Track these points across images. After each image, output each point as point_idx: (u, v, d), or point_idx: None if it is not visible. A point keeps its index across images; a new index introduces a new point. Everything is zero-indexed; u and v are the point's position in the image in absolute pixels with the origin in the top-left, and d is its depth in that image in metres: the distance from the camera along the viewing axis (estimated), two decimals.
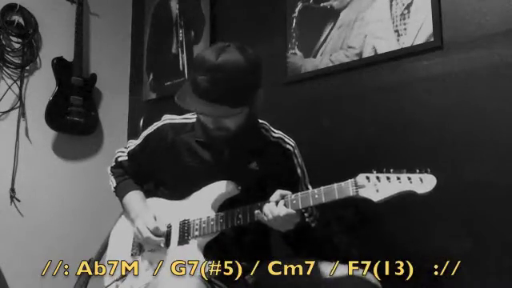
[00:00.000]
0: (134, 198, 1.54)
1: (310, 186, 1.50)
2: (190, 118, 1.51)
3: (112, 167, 1.64)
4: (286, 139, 1.51)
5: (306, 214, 1.38)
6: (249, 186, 1.39)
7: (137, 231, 1.40)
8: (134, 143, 1.59)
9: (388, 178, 1.13)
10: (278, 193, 1.26)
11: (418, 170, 1.11)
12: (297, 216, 1.24)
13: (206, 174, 1.41)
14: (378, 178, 1.14)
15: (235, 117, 1.31)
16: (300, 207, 1.23)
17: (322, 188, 1.21)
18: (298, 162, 1.50)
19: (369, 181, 1.15)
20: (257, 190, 1.40)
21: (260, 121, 1.51)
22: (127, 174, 1.60)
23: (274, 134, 1.50)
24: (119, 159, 1.62)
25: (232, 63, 1.24)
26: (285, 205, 1.24)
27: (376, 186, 1.14)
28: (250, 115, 1.38)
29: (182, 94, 1.29)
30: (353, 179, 1.18)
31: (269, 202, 1.26)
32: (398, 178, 1.12)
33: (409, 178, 1.11)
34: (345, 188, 1.17)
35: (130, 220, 1.51)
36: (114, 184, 1.60)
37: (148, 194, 1.58)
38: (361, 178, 1.16)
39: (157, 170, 1.54)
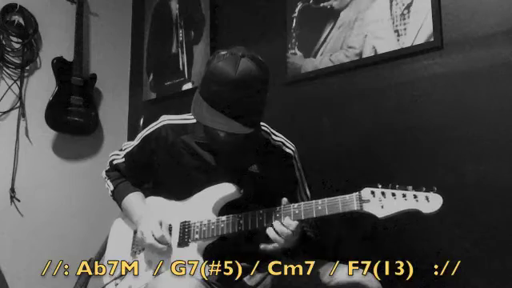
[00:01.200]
0: (135, 200, 1.52)
1: (308, 191, 1.50)
2: (190, 118, 1.49)
3: (107, 171, 1.62)
4: (287, 143, 1.50)
5: (305, 228, 1.38)
6: (249, 188, 1.38)
7: (140, 235, 1.38)
8: (130, 144, 1.57)
9: (393, 195, 1.12)
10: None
11: (424, 188, 1.10)
12: (299, 226, 1.23)
13: (207, 176, 1.41)
14: (383, 193, 1.13)
15: None
16: (302, 218, 1.22)
17: (325, 200, 1.20)
18: (298, 167, 1.50)
19: (374, 196, 1.14)
20: (257, 192, 1.40)
21: (261, 123, 1.51)
22: (124, 176, 1.59)
23: (274, 138, 1.49)
24: (114, 162, 1.59)
25: (252, 79, 1.23)
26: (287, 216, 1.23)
27: (381, 202, 1.12)
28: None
29: (197, 106, 1.26)
30: (357, 193, 1.16)
31: (270, 209, 1.26)
32: (404, 196, 1.11)
33: (415, 196, 1.10)
34: (349, 202, 1.16)
35: (132, 222, 1.50)
36: (112, 188, 1.58)
37: (147, 193, 1.57)
38: (366, 192, 1.15)
39: (156, 171, 1.53)
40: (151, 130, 1.51)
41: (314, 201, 1.22)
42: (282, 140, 1.50)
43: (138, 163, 1.55)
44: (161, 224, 1.39)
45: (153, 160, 1.50)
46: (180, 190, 1.44)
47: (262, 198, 1.38)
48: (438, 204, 1.08)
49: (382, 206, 1.12)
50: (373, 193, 1.14)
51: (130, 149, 1.56)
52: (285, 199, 1.27)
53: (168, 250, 1.37)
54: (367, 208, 1.14)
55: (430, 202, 1.08)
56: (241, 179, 1.39)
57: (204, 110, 1.24)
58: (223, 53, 1.27)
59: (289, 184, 1.47)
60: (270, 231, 1.23)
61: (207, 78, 1.26)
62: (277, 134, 1.51)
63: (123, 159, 1.58)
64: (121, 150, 1.60)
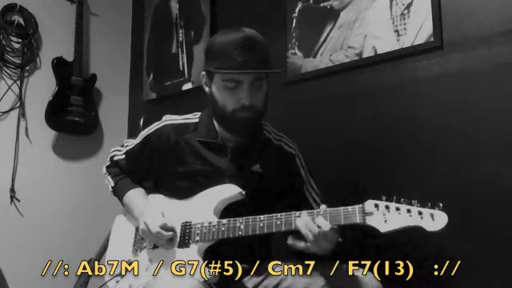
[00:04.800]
0: (136, 195, 1.52)
1: (315, 187, 1.49)
2: (192, 118, 1.50)
3: (107, 166, 1.62)
4: (288, 142, 1.50)
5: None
6: (251, 188, 1.37)
7: (144, 226, 1.38)
8: (132, 143, 1.57)
9: (398, 209, 1.09)
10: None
11: (429, 204, 1.08)
12: (336, 233, 1.18)
13: (209, 175, 1.41)
14: (387, 207, 1.10)
15: (262, 90, 1.37)
16: None
17: (328, 210, 1.18)
18: (302, 165, 1.50)
19: (377, 209, 1.11)
20: (260, 193, 1.40)
21: (262, 122, 1.51)
22: (124, 172, 1.59)
23: (276, 137, 1.50)
24: (115, 158, 1.59)
25: (255, 33, 1.38)
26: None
27: (384, 216, 1.10)
28: (267, 92, 1.40)
29: (226, 74, 1.35)
30: (360, 205, 1.13)
31: (271, 216, 1.24)
32: (409, 211, 1.08)
33: (419, 213, 1.07)
34: (351, 214, 1.14)
35: (133, 218, 1.50)
36: (112, 184, 1.58)
37: (148, 191, 1.57)
38: (369, 204, 1.12)
39: (157, 170, 1.53)
40: (153, 129, 1.51)
41: (315, 210, 1.21)
42: (284, 139, 1.50)
43: (139, 162, 1.55)
44: (163, 214, 1.39)
45: (154, 159, 1.51)
46: (182, 190, 1.44)
47: (265, 199, 1.37)
48: (443, 223, 1.06)
49: (386, 221, 1.09)
50: (376, 206, 1.11)
51: (131, 147, 1.57)
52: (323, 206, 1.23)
53: (169, 249, 1.37)
54: (370, 221, 1.11)
55: (434, 220, 1.06)
56: (244, 179, 1.39)
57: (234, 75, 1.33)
58: (217, 32, 1.42)
59: (295, 183, 1.47)
60: (301, 224, 1.18)
61: (218, 52, 1.34)
62: (278, 133, 1.51)
63: (124, 156, 1.58)
64: (122, 146, 1.60)
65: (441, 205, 1.07)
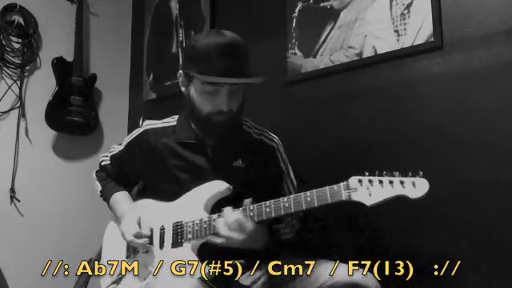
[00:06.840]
0: (118, 198, 1.57)
1: (294, 182, 1.50)
2: (170, 121, 1.52)
3: (96, 171, 1.68)
4: (270, 136, 1.52)
5: (281, 225, 1.41)
6: (236, 183, 1.38)
7: (121, 234, 1.42)
8: (117, 148, 1.61)
9: (380, 182, 1.11)
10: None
11: (410, 173, 1.09)
12: (243, 225, 1.24)
13: (193, 175, 1.42)
14: (370, 181, 1.12)
15: (240, 95, 1.37)
16: (292, 211, 1.22)
17: (314, 191, 1.19)
18: (282, 157, 1.51)
19: (361, 184, 1.13)
20: (245, 187, 1.40)
21: (242, 118, 1.52)
22: (110, 177, 1.63)
23: (256, 131, 1.51)
24: (102, 163, 1.65)
25: (237, 38, 1.36)
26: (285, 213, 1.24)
27: (368, 190, 1.12)
28: (244, 97, 1.40)
29: (205, 78, 1.34)
30: (345, 182, 1.15)
31: (260, 204, 1.26)
32: (391, 182, 1.10)
33: (401, 182, 1.09)
34: (337, 191, 1.15)
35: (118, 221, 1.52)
36: (100, 188, 1.63)
37: (137, 196, 1.59)
38: (353, 181, 1.14)
39: (141, 175, 1.57)
40: (134, 135, 1.54)
41: (302, 193, 1.22)
42: (264, 133, 1.51)
43: (123, 167, 1.60)
44: (139, 221, 1.41)
45: (138, 165, 1.53)
46: (169, 192, 1.45)
47: (252, 193, 1.38)
48: (425, 188, 1.07)
49: (370, 194, 1.12)
50: (360, 181, 1.13)
51: (115, 152, 1.61)
52: (246, 200, 1.29)
53: (162, 251, 1.37)
54: (355, 197, 1.13)
55: (416, 188, 1.08)
56: (226, 175, 1.39)
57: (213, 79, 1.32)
58: (199, 34, 1.46)
59: (275, 176, 1.49)
60: (219, 221, 1.27)
61: (200, 56, 1.32)
62: (258, 127, 1.53)
63: (109, 161, 1.63)
64: (110, 152, 1.65)
65: (421, 173, 1.09)
